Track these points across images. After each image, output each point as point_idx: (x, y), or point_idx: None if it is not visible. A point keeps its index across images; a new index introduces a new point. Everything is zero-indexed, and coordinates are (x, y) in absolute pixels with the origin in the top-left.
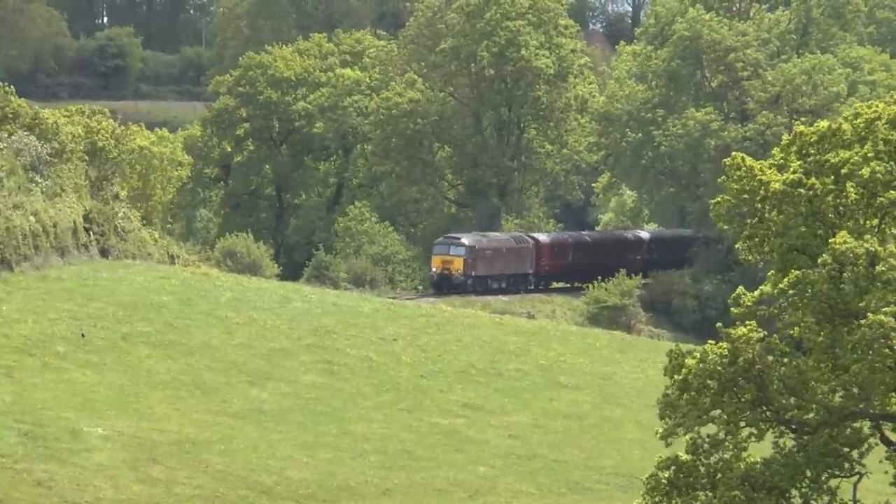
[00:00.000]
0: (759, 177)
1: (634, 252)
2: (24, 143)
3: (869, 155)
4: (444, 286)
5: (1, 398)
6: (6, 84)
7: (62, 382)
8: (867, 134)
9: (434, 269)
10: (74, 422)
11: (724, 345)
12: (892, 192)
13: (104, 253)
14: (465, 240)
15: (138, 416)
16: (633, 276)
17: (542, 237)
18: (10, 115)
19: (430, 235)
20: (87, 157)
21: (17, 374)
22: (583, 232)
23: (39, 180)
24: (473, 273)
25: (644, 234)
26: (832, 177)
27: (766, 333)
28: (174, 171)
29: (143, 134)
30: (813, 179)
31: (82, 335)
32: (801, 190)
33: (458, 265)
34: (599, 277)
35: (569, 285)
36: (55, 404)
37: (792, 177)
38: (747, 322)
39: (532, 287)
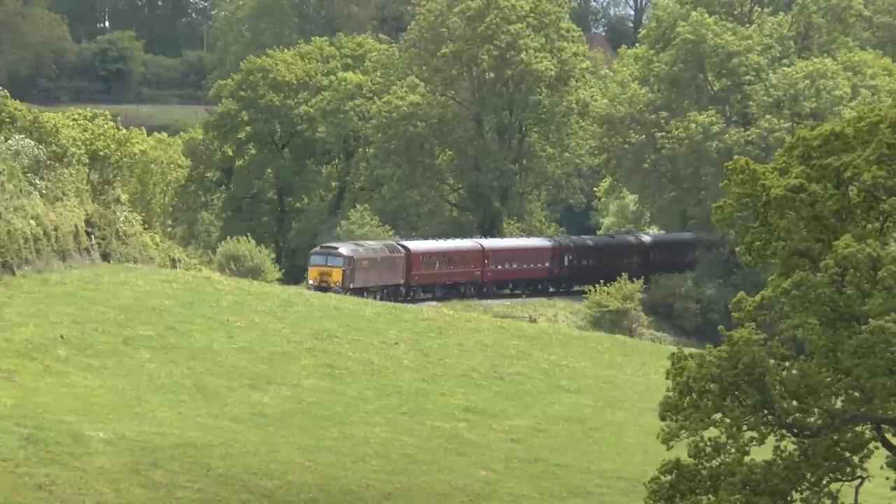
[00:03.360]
0: (761, 181)
1: (538, 261)
2: (21, 146)
3: (871, 158)
4: None
5: (2, 402)
6: (3, 88)
7: (63, 386)
8: (870, 138)
9: (311, 282)
10: (76, 425)
11: (724, 348)
12: (894, 198)
13: (106, 257)
14: (343, 249)
15: (140, 420)
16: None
17: (414, 245)
18: (8, 119)
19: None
20: (88, 161)
21: (19, 377)
22: (460, 239)
23: (38, 183)
24: (352, 284)
25: (566, 241)
26: (834, 181)
27: (766, 336)
28: (173, 173)
29: (141, 138)
30: (814, 185)
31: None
32: (803, 195)
33: (336, 276)
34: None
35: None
36: (56, 408)
37: (793, 182)
38: (747, 324)
39: (402, 299)
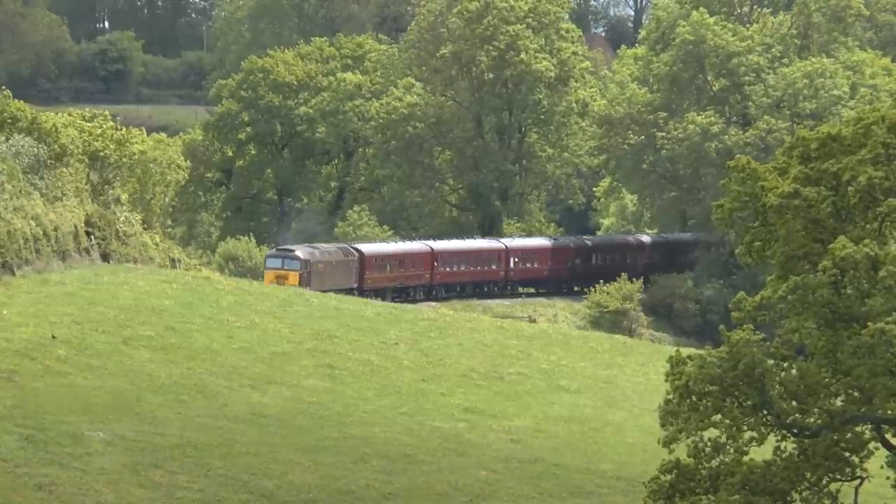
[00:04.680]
0: (760, 182)
1: (488, 264)
2: (21, 146)
3: (866, 158)
4: None
5: (2, 402)
6: (3, 88)
7: (63, 386)
8: (866, 140)
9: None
10: (76, 426)
11: (724, 349)
12: (892, 199)
13: (105, 257)
14: (300, 252)
15: (139, 420)
16: (633, 280)
17: (366, 248)
18: (8, 119)
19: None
20: (87, 161)
21: (19, 377)
22: (425, 241)
23: (38, 183)
24: (308, 288)
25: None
26: (832, 183)
27: (765, 337)
28: (173, 174)
29: (141, 138)
30: (809, 188)
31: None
32: (797, 201)
33: (293, 280)
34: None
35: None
36: (56, 408)
37: (787, 189)
38: (745, 325)
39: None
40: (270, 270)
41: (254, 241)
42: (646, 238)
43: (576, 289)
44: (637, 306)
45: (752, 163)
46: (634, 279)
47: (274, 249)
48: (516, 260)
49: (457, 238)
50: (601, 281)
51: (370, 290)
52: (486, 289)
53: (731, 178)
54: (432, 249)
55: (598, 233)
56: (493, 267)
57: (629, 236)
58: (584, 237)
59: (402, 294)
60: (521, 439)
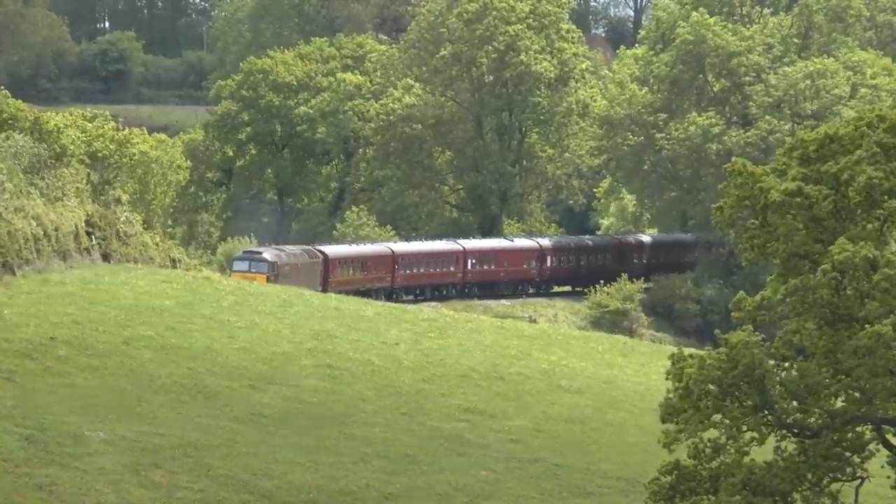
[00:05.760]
0: (759, 184)
1: (447, 265)
2: (22, 146)
3: (863, 157)
4: None
5: (2, 402)
6: (3, 88)
7: (64, 387)
8: (862, 139)
9: None
10: (76, 426)
11: (724, 350)
12: (893, 201)
13: (106, 257)
14: (267, 255)
15: (140, 421)
16: (634, 280)
17: (330, 250)
18: (9, 119)
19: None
20: (88, 161)
21: (19, 378)
22: (387, 243)
23: (39, 182)
24: None
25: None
26: (832, 183)
27: (764, 337)
28: (174, 175)
29: (142, 138)
30: (810, 187)
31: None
32: (798, 199)
33: (260, 282)
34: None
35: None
36: (57, 408)
37: (790, 186)
38: (744, 327)
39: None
40: (237, 273)
41: (254, 241)
42: (597, 240)
43: (531, 290)
44: (637, 306)
45: (749, 166)
46: (603, 282)
47: (241, 252)
48: (474, 262)
49: (418, 240)
50: (555, 286)
51: (334, 293)
52: (444, 291)
53: (730, 181)
54: (393, 252)
55: (598, 233)
56: (451, 269)
57: (586, 237)
58: (542, 238)
59: (365, 297)
60: (521, 439)
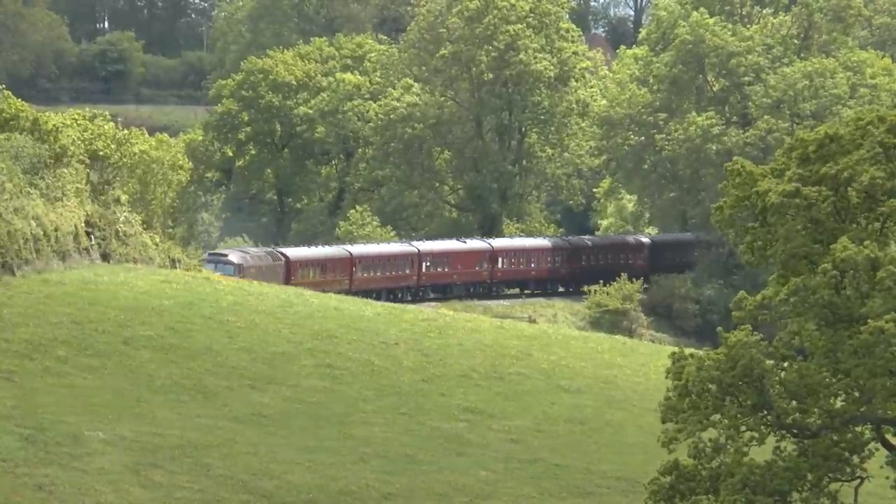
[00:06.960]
0: (758, 185)
1: (402, 268)
2: (21, 146)
3: (865, 157)
4: None
5: (2, 402)
6: (4, 87)
7: (63, 387)
8: (863, 141)
9: None
10: (75, 426)
11: (723, 349)
12: (894, 201)
13: (105, 257)
14: (233, 257)
15: (139, 421)
16: (633, 280)
17: (292, 253)
18: (10, 119)
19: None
20: (88, 161)
21: (18, 378)
22: (349, 245)
23: (38, 182)
24: None
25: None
26: (831, 183)
27: (763, 337)
28: (175, 175)
29: (143, 138)
30: (809, 188)
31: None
32: (798, 200)
33: None
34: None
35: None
36: (56, 408)
37: (789, 187)
38: (742, 326)
39: None
40: None
41: (253, 241)
42: (557, 241)
43: (480, 291)
44: (637, 306)
45: (748, 166)
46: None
47: (207, 254)
48: (428, 264)
49: (375, 243)
50: (506, 289)
51: None
52: (399, 295)
53: (729, 181)
54: (351, 254)
55: (598, 233)
56: (407, 271)
57: (540, 238)
58: (492, 240)
59: None
60: (521, 439)
